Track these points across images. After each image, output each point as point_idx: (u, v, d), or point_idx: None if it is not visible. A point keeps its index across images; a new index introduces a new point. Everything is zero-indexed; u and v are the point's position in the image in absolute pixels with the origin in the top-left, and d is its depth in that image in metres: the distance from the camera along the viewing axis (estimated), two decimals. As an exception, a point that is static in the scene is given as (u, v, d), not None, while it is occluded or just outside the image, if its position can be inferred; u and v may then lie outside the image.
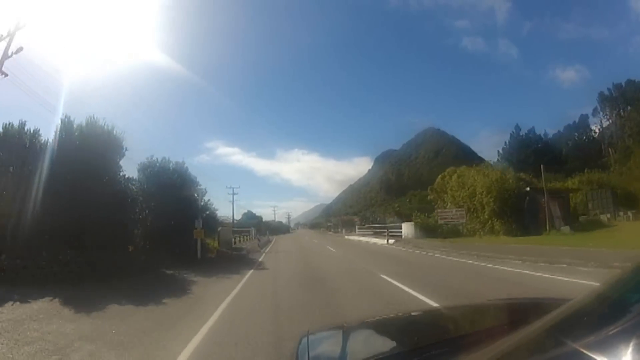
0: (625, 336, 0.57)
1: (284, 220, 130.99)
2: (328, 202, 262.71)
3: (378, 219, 55.68)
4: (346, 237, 45.22)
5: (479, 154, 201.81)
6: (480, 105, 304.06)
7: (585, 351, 0.59)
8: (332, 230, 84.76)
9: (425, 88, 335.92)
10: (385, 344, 1.57)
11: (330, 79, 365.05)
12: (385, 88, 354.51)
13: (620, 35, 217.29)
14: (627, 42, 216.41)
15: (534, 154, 63.17)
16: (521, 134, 75.98)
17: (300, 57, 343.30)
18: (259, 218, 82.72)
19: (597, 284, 0.85)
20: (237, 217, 63.03)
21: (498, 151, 76.94)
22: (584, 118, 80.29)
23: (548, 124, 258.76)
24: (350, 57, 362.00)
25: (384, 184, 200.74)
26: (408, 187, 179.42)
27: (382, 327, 1.86)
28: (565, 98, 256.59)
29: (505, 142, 75.90)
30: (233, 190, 47.96)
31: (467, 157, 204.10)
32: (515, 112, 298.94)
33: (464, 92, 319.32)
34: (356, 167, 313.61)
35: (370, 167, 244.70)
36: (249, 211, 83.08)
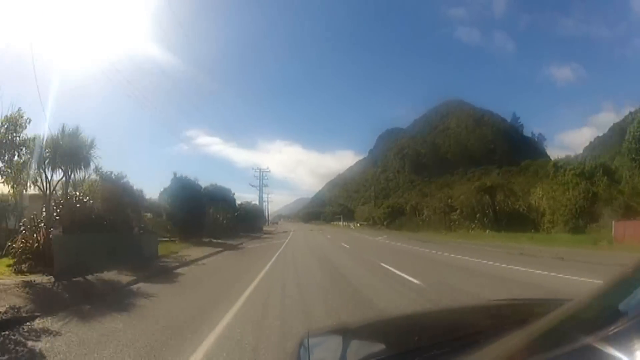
0: (626, 336, 0.58)
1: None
2: (309, 195, 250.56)
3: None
4: None
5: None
6: (472, 96, 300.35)
7: (586, 351, 0.60)
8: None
9: (415, 77, 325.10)
10: (386, 345, 1.55)
11: (314, 70, 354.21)
12: (371, 78, 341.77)
13: (620, 36, 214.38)
14: (625, 43, 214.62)
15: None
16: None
17: (283, 45, 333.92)
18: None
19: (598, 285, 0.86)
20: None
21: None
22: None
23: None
24: (333, 47, 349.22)
25: (410, 161, 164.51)
26: (449, 163, 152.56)
27: (382, 327, 1.88)
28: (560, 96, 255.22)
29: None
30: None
31: (513, 134, 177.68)
32: (511, 107, 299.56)
33: (458, 83, 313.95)
34: (340, 161, 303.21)
35: (361, 158, 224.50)
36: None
